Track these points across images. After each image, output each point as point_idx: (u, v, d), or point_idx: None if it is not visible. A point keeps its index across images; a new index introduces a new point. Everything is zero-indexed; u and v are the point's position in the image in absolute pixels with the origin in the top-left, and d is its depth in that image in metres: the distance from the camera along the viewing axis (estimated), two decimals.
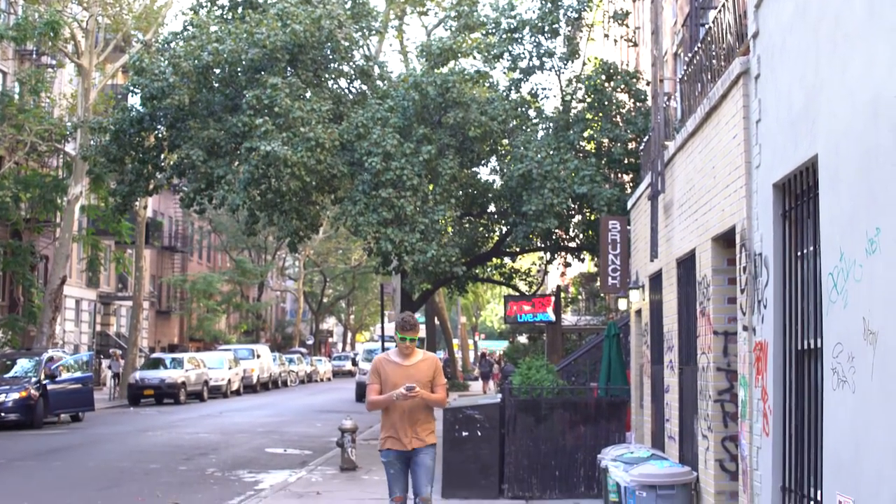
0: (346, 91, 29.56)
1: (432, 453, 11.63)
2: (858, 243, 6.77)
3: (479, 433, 17.77)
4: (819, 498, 7.69)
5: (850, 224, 6.96)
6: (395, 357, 11.69)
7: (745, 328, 9.96)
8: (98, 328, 62.64)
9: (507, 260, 38.06)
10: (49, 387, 33.59)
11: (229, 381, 53.83)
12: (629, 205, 18.67)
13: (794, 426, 8.57)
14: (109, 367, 52.65)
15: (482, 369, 57.61)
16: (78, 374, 35.92)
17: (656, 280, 15.37)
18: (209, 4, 29.67)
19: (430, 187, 25.36)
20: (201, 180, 26.85)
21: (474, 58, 29.89)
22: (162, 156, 28.70)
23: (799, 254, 8.55)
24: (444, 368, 58.10)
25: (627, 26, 30.04)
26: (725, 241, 11.08)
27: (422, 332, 53.02)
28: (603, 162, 26.89)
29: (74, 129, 42.87)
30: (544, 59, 28.92)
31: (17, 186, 44.50)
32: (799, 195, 8.53)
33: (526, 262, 44.78)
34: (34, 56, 50.01)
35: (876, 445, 6.42)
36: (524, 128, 28.07)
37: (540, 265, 42.00)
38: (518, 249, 32.70)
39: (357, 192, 24.26)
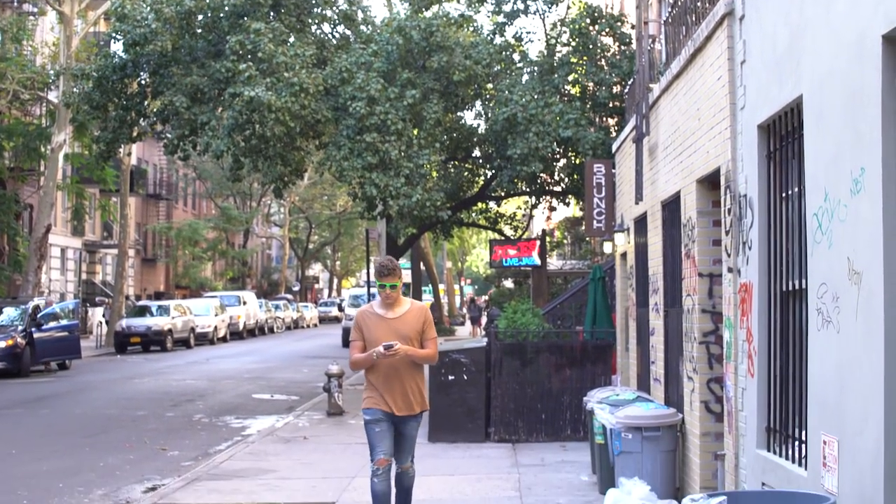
0: (330, 36, 29.40)
1: (419, 423, 10.73)
2: (843, 183, 6.76)
3: (465, 377, 17.83)
4: (804, 438, 7.72)
5: (834, 164, 6.95)
6: (379, 309, 10.51)
7: (729, 270, 9.97)
8: (84, 276, 62.52)
9: (492, 204, 38.04)
10: (36, 335, 33.57)
11: (216, 327, 53.88)
12: (614, 148, 18.64)
13: (779, 367, 8.59)
14: (104, 316, 52.65)
15: (472, 314, 57.76)
16: (64, 322, 35.89)
17: (641, 223, 15.36)
18: None
19: (415, 132, 25.29)
20: (185, 127, 26.73)
21: (458, 1, 29.76)
22: (145, 102, 28.53)
23: (784, 195, 8.54)
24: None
25: None
26: (710, 183, 11.07)
27: (407, 277, 53.03)
28: (588, 106, 26.84)
29: (57, 77, 42.61)
30: (528, 2, 28.84)
31: (1, 135, 44.26)
32: (784, 136, 8.51)
33: (511, 206, 44.78)
34: (15, 4, 49.56)
35: (860, 385, 6.44)
36: (509, 72, 27.98)
37: (525, 209, 41.99)
38: (503, 194, 32.70)
39: (341, 137, 24.19)
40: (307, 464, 15.66)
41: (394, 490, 10.60)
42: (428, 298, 63.80)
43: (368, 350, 10.32)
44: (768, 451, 8.75)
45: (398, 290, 10.49)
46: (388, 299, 10.44)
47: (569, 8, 29.78)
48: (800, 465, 7.83)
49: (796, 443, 8.02)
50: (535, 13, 29.28)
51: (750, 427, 9.16)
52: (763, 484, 8.57)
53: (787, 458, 8.24)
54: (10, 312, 34.39)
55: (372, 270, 42.03)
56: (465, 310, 72.73)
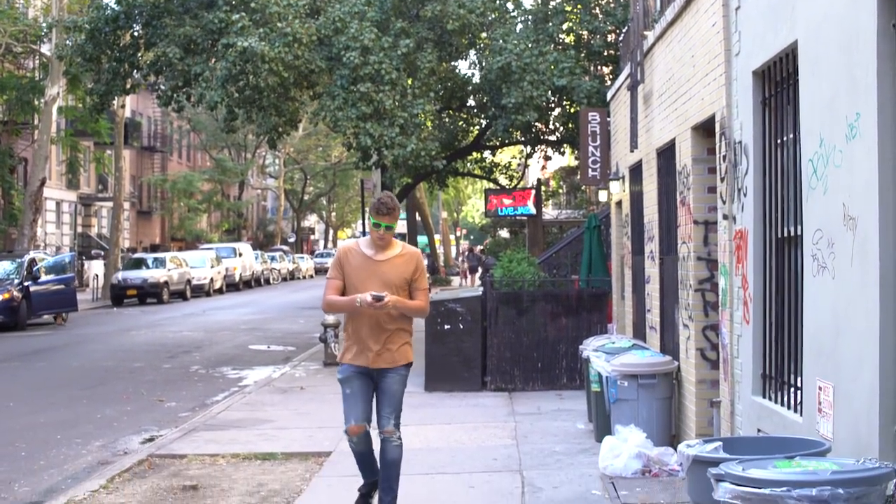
0: None
1: (403, 377, 9.37)
2: (838, 129, 6.74)
3: (461, 326, 17.85)
4: (799, 384, 7.73)
5: (829, 110, 6.93)
6: (366, 248, 9.35)
7: (725, 217, 9.96)
8: (79, 229, 62.51)
9: (487, 154, 37.93)
10: (32, 288, 33.56)
11: (212, 279, 53.89)
12: (609, 96, 18.57)
13: (775, 313, 8.60)
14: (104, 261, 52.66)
15: (470, 263, 57.79)
16: (61, 276, 35.85)
17: (636, 171, 15.34)
18: None
19: (409, 81, 25.16)
20: (178, 78, 26.59)
21: None
22: (138, 54, 28.35)
23: (779, 141, 8.52)
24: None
25: None
26: (705, 130, 11.04)
27: (403, 228, 52.99)
28: (582, 54, 26.72)
29: (49, 30, 42.35)
30: None
31: None
32: (779, 82, 8.48)
33: (506, 155, 44.65)
34: None
35: (856, 330, 6.45)
36: (503, 20, 27.79)
37: (520, 159, 41.88)
38: (498, 143, 32.59)
39: (335, 87, 24.07)
40: (304, 414, 15.69)
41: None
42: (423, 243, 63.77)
43: (349, 294, 9.20)
44: (764, 397, 8.77)
45: (392, 232, 9.28)
46: (382, 241, 9.23)
47: None
48: (795, 411, 7.85)
49: (792, 389, 8.04)
50: None
51: (745, 374, 9.18)
52: (759, 430, 8.60)
53: (782, 405, 8.26)
54: (6, 266, 34.35)
55: (369, 209, 42.00)
56: (461, 260, 72.71)
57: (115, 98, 33.78)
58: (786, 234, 8.26)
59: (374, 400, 9.34)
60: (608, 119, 18.71)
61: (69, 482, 12.00)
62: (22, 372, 22.30)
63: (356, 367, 9.25)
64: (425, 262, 10.17)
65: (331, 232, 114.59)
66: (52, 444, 14.35)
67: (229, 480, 11.60)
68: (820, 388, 6.99)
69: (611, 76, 26.39)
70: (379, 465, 9.39)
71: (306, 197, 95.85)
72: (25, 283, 33.36)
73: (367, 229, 9.65)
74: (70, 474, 12.51)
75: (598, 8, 27.35)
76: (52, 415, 16.63)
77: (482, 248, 63.51)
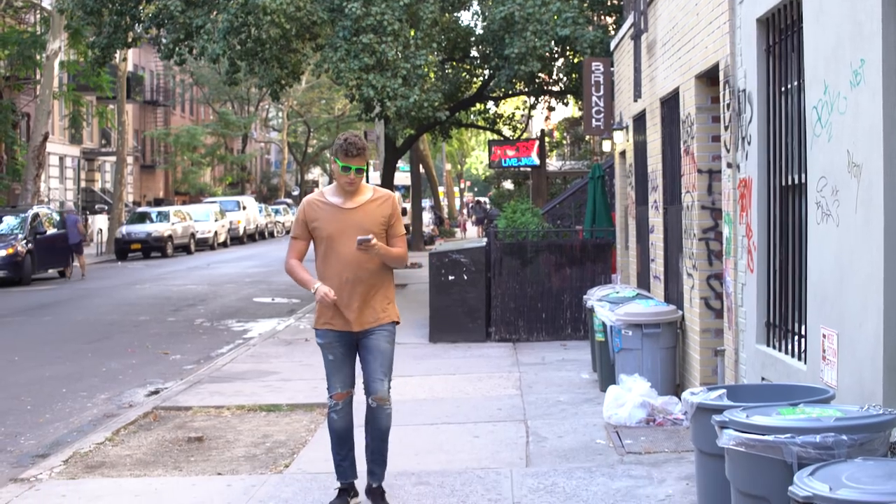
0: None
1: (391, 333, 8.46)
2: (843, 76, 6.69)
3: (466, 277, 17.86)
4: (803, 332, 7.73)
5: (834, 57, 6.88)
6: (333, 196, 8.36)
7: (729, 165, 9.92)
8: (83, 184, 62.46)
9: (490, 105, 37.84)
10: (36, 243, 33.62)
11: (216, 233, 53.91)
12: (612, 46, 18.47)
13: (779, 262, 8.58)
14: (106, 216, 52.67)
15: (477, 215, 57.80)
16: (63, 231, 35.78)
17: (640, 121, 15.28)
18: None
19: (412, 32, 25.03)
20: (180, 31, 26.44)
21: None
22: (140, 7, 28.20)
23: (783, 89, 8.47)
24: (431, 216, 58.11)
25: None
26: (709, 78, 10.98)
27: (406, 180, 52.87)
28: (585, 4, 26.54)
29: None
30: None
31: None
32: (783, 29, 8.42)
33: (509, 106, 44.54)
34: None
35: (860, 277, 6.43)
36: None
37: (523, 110, 41.76)
38: (501, 94, 32.48)
39: (338, 38, 23.93)
40: (308, 365, 15.72)
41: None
42: (428, 203, 63.64)
43: (323, 252, 8.35)
44: (768, 346, 8.77)
45: (362, 176, 8.33)
46: (352, 185, 8.23)
47: None
48: (799, 359, 7.85)
49: (796, 337, 8.03)
50: None
51: (749, 322, 9.17)
52: (763, 379, 8.60)
53: (786, 353, 8.25)
54: (10, 221, 34.35)
55: (374, 174, 41.83)
56: (465, 212, 72.71)
57: (117, 52, 33.61)
58: (790, 182, 8.23)
59: (361, 362, 8.47)
60: (612, 69, 18.62)
61: (75, 435, 12.04)
62: (27, 326, 22.34)
63: (336, 332, 8.33)
64: (403, 206, 9.32)
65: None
66: (58, 397, 14.39)
67: (234, 432, 11.63)
68: (824, 336, 6.98)
69: (614, 26, 26.26)
70: (367, 435, 8.55)
71: (310, 150, 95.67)
72: (30, 238, 33.37)
73: (334, 175, 8.43)
74: (76, 427, 12.56)
75: None
76: (57, 368, 16.66)
77: (484, 200, 63.53)
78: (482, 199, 72.49)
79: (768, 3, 8.46)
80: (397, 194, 38.66)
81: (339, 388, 8.42)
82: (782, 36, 8.40)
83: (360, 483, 8.58)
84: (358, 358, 8.50)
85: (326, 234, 8.26)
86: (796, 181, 8.02)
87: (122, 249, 45.76)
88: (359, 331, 8.31)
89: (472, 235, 55.20)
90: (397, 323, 8.52)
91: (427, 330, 18.04)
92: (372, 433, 8.50)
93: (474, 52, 30.72)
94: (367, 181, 8.87)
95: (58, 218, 36.45)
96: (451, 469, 9.65)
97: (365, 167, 8.27)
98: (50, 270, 35.29)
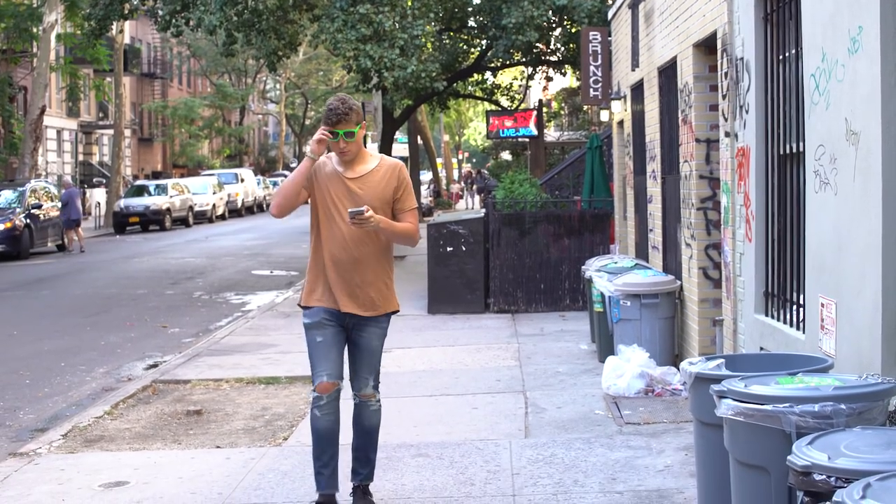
0: None
1: (383, 330, 7.65)
2: (840, 43, 6.65)
3: (464, 248, 17.85)
4: (802, 301, 7.70)
5: (831, 24, 6.83)
6: (338, 164, 7.51)
7: (727, 134, 9.88)
8: (80, 158, 62.36)
9: (488, 75, 37.75)
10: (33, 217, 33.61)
11: (214, 205, 53.85)
12: (610, 15, 18.41)
13: (777, 231, 8.55)
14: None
15: (479, 184, 57.74)
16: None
17: (638, 90, 15.23)
18: None
19: (409, 2, 24.96)
20: (177, 2, 26.37)
21: None
22: None
23: (781, 57, 8.42)
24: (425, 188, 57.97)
25: None
26: (706, 47, 10.94)
27: (405, 151, 52.77)
28: None
29: None
30: None
31: None
32: None
33: (507, 77, 44.42)
34: None
35: (858, 246, 6.40)
36: None
37: (521, 80, 41.67)
38: (499, 64, 32.45)
39: (335, 8, 23.86)
40: None
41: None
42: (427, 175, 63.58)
43: (321, 222, 7.49)
44: (766, 315, 8.75)
45: (358, 141, 7.40)
46: (345, 154, 7.36)
47: None
48: (798, 328, 7.83)
49: (794, 306, 8.01)
50: None
51: (748, 292, 9.15)
52: (761, 348, 8.58)
53: (785, 322, 8.24)
54: (8, 195, 34.30)
55: (372, 145, 41.70)
56: (467, 183, 72.57)
57: (114, 23, 33.54)
58: (788, 151, 8.19)
59: (349, 357, 7.65)
60: (609, 38, 18.56)
61: (74, 409, 12.04)
62: (25, 300, 22.33)
63: (326, 310, 7.43)
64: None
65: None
66: (57, 371, 14.39)
67: (233, 405, 11.63)
68: (822, 305, 6.96)
69: None
70: (353, 434, 7.75)
71: (308, 122, 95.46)
72: (28, 212, 33.33)
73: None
74: (74, 401, 12.56)
75: None
76: (56, 342, 16.66)
77: (482, 170, 63.43)
78: (483, 170, 72.43)
79: None
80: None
81: (326, 376, 7.38)
82: (780, 4, 8.35)
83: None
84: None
85: (320, 201, 7.42)
86: (794, 150, 7.99)
87: (121, 223, 45.71)
88: (349, 315, 7.41)
89: (461, 207, 55.15)
90: (397, 311, 7.72)
91: (426, 301, 18.03)
92: (356, 430, 7.73)
93: (472, 22, 30.66)
94: (366, 146, 8.28)
95: (55, 191, 36.39)
96: (450, 440, 9.65)
97: (355, 131, 7.30)
98: (49, 244, 35.24)
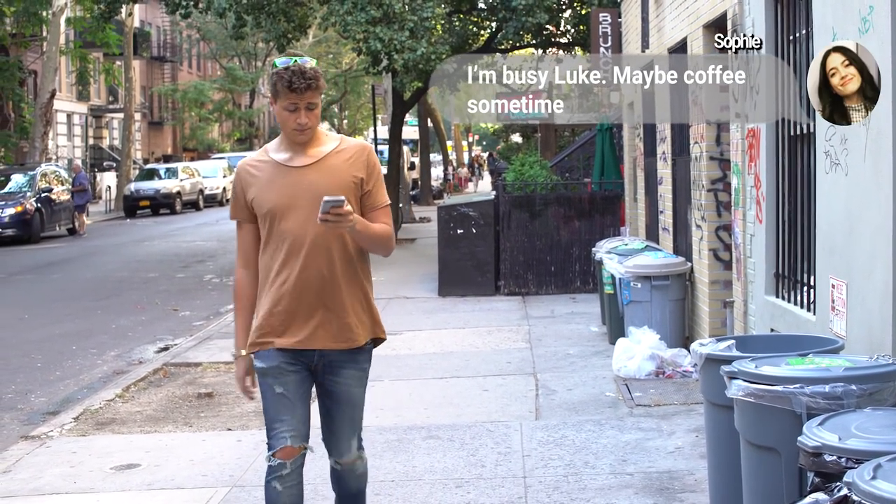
0: None
1: (364, 371, 5.70)
2: (851, 23, 6.63)
3: (474, 231, 17.84)
4: (812, 283, 7.70)
5: (842, 4, 6.81)
6: (278, 153, 5.67)
7: (737, 115, 9.86)
8: (91, 141, 62.39)
9: (498, 57, 37.67)
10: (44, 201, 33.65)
11: (224, 189, 53.70)
12: None
13: (787, 212, 8.54)
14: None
15: (491, 167, 57.74)
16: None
17: None
18: None
19: None
20: None
21: None
22: None
23: (791, 38, 8.40)
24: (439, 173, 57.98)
25: None
26: (717, 28, 10.90)
27: (415, 134, 52.68)
28: None
29: None
30: None
31: (1, 1, 43.78)
32: None
33: (517, 59, 44.31)
34: None
35: (868, 227, 6.39)
36: None
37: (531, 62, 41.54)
38: (509, 46, 32.35)
39: None
40: None
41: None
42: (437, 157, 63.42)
43: (263, 233, 5.60)
44: (777, 297, 8.74)
45: (317, 116, 5.59)
46: (304, 133, 5.54)
47: None
48: (808, 310, 7.82)
49: (805, 288, 8.00)
50: None
51: (758, 273, 9.14)
52: (772, 330, 8.58)
53: (795, 304, 8.23)
54: (19, 179, 34.33)
55: (382, 127, 41.55)
56: (477, 166, 72.49)
57: (123, 6, 33.50)
58: (798, 132, 8.17)
59: (319, 407, 5.78)
60: (619, 20, 18.52)
61: (85, 392, 12.07)
62: (37, 284, 22.37)
63: (283, 352, 5.55)
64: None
65: None
66: (68, 354, 14.41)
67: None
68: (833, 286, 6.95)
69: None
70: (335, 498, 6.01)
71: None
72: (39, 196, 33.37)
73: (280, 122, 5.57)
74: (86, 384, 12.59)
75: None
76: (67, 326, 16.69)
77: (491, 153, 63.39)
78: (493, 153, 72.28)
79: None
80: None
81: (290, 438, 5.51)
82: None
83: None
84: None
85: (268, 208, 5.53)
86: (805, 130, 7.97)
87: (131, 206, 45.70)
88: (319, 352, 5.56)
89: (471, 191, 55.17)
90: (382, 340, 5.81)
91: (436, 284, 18.04)
92: (340, 496, 5.97)
93: (481, 4, 30.59)
94: (336, 131, 6.52)
95: (66, 175, 36.40)
96: (460, 422, 9.66)
97: (317, 103, 5.56)
98: (60, 228, 35.26)
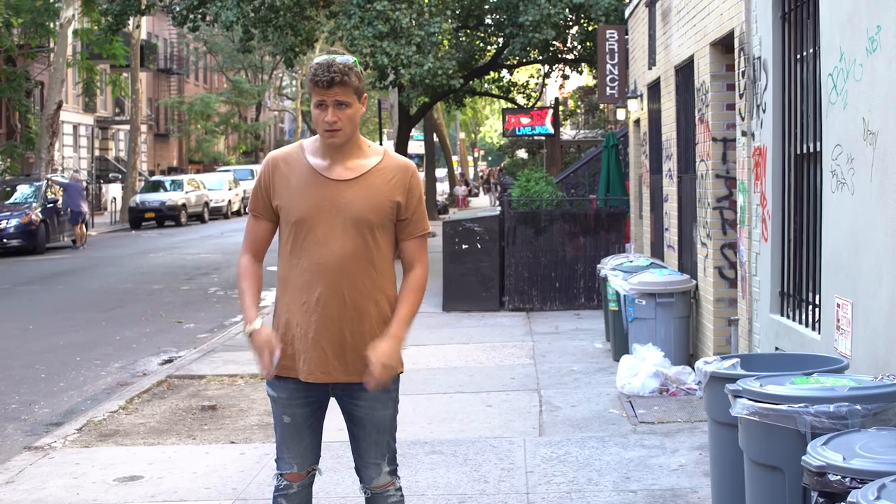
0: None
1: (392, 394, 5.30)
2: (859, 42, 6.63)
3: (479, 246, 17.84)
4: (817, 302, 7.69)
5: (850, 23, 6.81)
6: (315, 155, 5.18)
7: (743, 134, 9.86)
8: (97, 153, 62.46)
9: (504, 73, 37.74)
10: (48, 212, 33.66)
11: (229, 202, 53.91)
12: (627, 13, 18.39)
13: (793, 231, 8.54)
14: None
15: (499, 180, 57.83)
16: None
17: (654, 89, 15.21)
18: None
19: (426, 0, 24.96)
20: None
21: None
22: None
23: (798, 56, 8.40)
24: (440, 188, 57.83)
25: None
26: (724, 46, 10.92)
27: (420, 148, 52.72)
28: None
29: None
30: None
31: (8, 12, 43.84)
32: None
33: (523, 75, 44.42)
34: None
35: (874, 246, 6.39)
36: None
37: (538, 78, 41.65)
38: (515, 62, 32.43)
39: (351, 5, 23.86)
40: None
41: None
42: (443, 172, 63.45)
43: (285, 239, 5.24)
44: (782, 315, 8.74)
45: (354, 119, 5.06)
46: (334, 135, 5.02)
47: None
48: (813, 328, 7.81)
49: (810, 307, 8.00)
50: None
51: (763, 292, 9.13)
52: (776, 348, 8.57)
53: (800, 322, 8.22)
54: (25, 190, 34.37)
55: (388, 142, 41.60)
56: (483, 181, 72.54)
57: (131, 18, 33.58)
58: (805, 151, 8.18)
59: (348, 433, 5.41)
60: (626, 37, 18.55)
61: (89, 403, 12.07)
62: (41, 295, 22.38)
63: (297, 383, 5.24)
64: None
65: None
66: (72, 366, 14.41)
67: (248, 400, 11.64)
68: (838, 306, 6.94)
69: None
70: None
71: None
72: (44, 207, 33.38)
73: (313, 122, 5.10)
74: (90, 396, 12.58)
75: None
76: (71, 337, 16.69)
77: (498, 168, 63.46)
78: (495, 168, 72.37)
79: None
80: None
81: (295, 465, 5.32)
82: (798, 3, 8.33)
83: None
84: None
85: (298, 218, 5.10)
86: (811, 149, 7.97)
87: (136, 218, 45.80)
88: (334, 384, 5.21)
89: (476, 205, 55.14)
90: (402, 372, 5.36)
91: (441, 299, 18.02)
92: None
93: (488, 20, 30.66)
94: (381, 144, 6.10)
95: (58, 185, 36.02)
96: (464, 438, 9.65)
97: (353, 102, 5.04)
98: (65, 239, 35.27)
